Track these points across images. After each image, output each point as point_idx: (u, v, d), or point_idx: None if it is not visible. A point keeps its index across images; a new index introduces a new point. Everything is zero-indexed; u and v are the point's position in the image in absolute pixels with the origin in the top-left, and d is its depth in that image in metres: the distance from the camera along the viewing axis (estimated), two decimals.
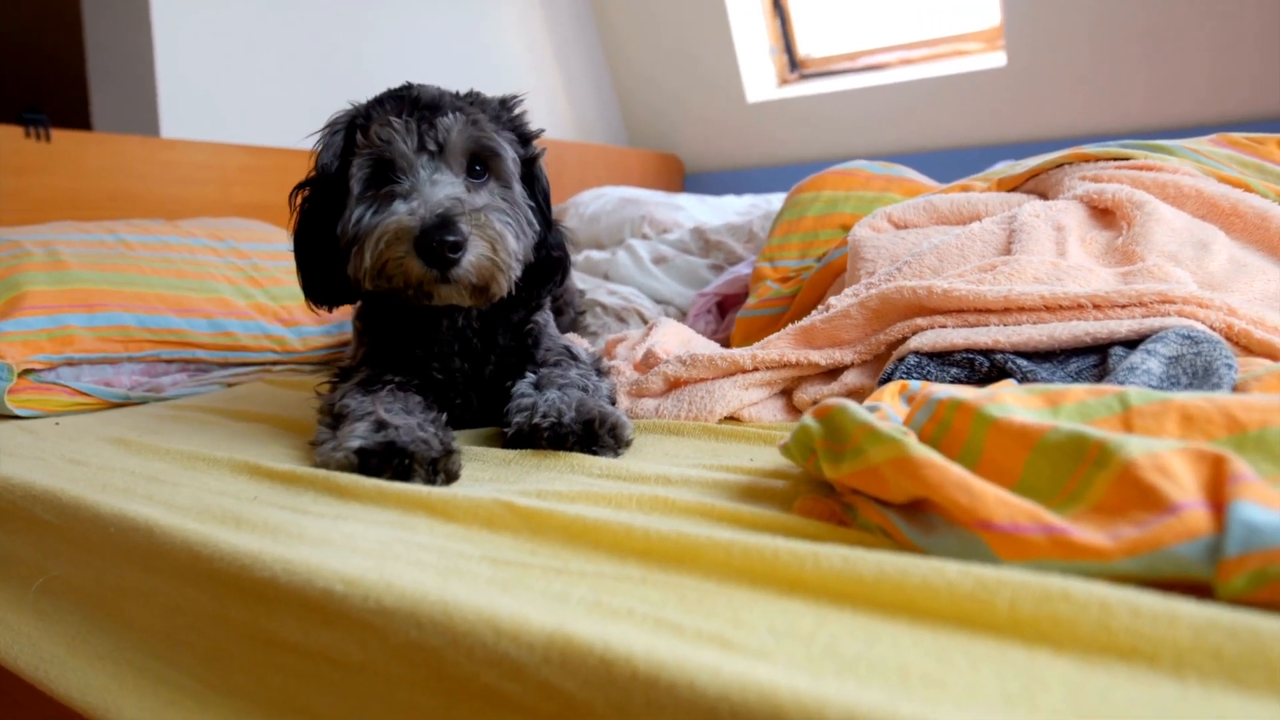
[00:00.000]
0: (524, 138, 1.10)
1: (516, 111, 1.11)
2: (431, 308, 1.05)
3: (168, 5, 2.40)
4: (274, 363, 1.72)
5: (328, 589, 0.62)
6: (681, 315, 2.02)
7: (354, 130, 1.03)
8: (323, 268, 1.09)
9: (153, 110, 2.41)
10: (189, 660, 0.77)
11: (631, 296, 2.02)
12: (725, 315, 1.91)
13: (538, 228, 1.09)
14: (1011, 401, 0.66)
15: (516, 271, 1.02)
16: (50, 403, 1.36)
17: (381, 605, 0.59)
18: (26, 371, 1.36)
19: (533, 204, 1.10)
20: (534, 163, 1.11)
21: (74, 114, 2.61)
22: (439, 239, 0.93)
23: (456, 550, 0.66)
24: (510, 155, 1.05)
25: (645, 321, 1.94)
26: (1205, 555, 0.48)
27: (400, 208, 0.97)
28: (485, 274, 0.98)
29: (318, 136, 1.08)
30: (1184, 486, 0.51)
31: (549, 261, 1.13)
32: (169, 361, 1.57)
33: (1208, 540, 0.49)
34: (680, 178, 3.99)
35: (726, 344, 1.75)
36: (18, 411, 1.32)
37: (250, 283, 1.76)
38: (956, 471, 0.56)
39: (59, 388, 1.38)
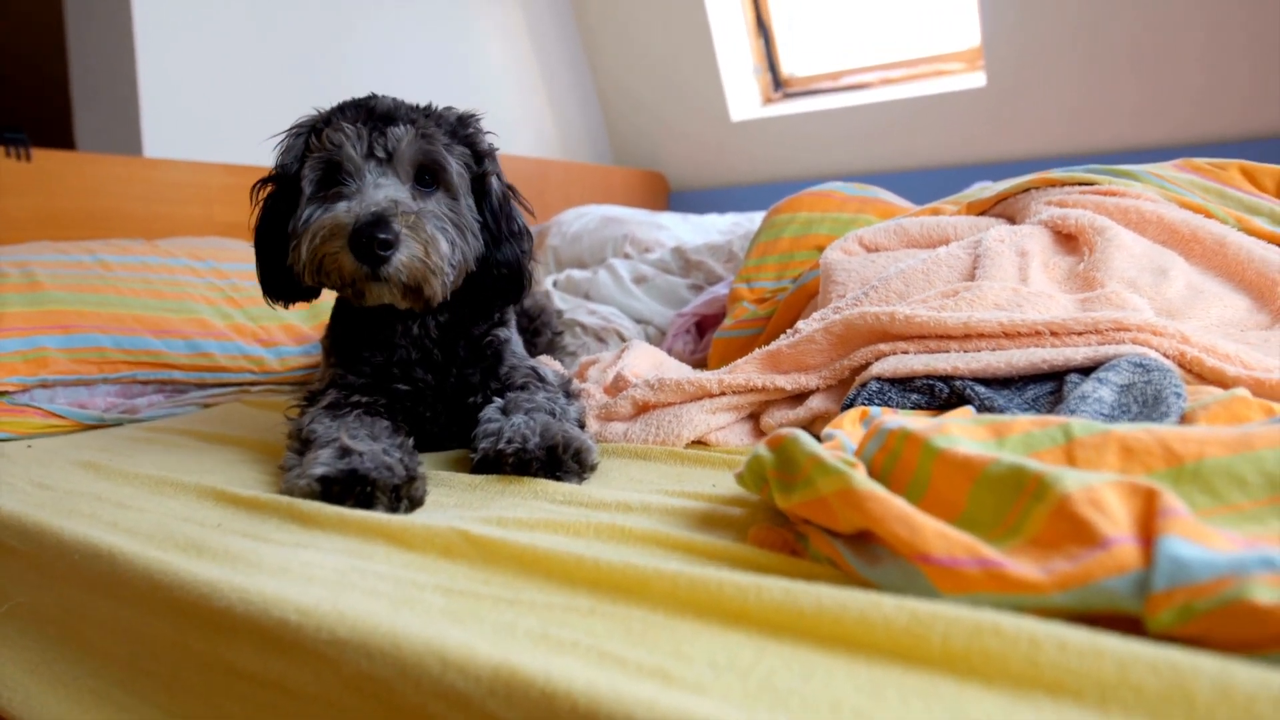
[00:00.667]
0: (477, 154, 1.13)
1: (472, 128, 1.14)
2: (384, 313, 1.11)
3: (151, 26, 2.41)
4: (252, 383, 1.73)
5: (283, 619, 0.63)
6: (661, 335, 2.03)
7: (314, 134, 1.08)
8: (277, 263, 1.12)
9: (135, 129, 2.42)
10: (149, 688, 0.77)
11: (611, 316, 2.03)
12: (704, 335, 1.92)
13: (482, 242, 1.12)
14: (958, 432, 0.67)
15: (450, 277, 1.06)
16: (23, 425, 1.36)
17: (335, 636, 0.60)
18: (0, 394, 1.36)
19: (481, 219, 1.13)
20: (485, 179, 1.13)
21: (57, 134, 2.62)
22: (369, 235, 0.97)
23: (411, 579, 0.67)
24: (457, 169, 1.09)
25: (624, 341, 1.95)
26: (1134, 590, 0.49)
27: (340, 206, 1.01)
28: (416, 275, 1.02)
29: (281, 137, 1.12)
30: (1116, 520, 0.52)
31: (498, 279, 1.15)
32: (145, 383, 1.57)
33: (1137, 575, 0.50)
34: (665, 196, 4.01)
35: (704, 364, 1.76)
36: None
37: (229, 303, 1.76)
38: (898, 504, 0.57)
39: (32, 410, 1.38)
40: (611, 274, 2.26)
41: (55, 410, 1.40)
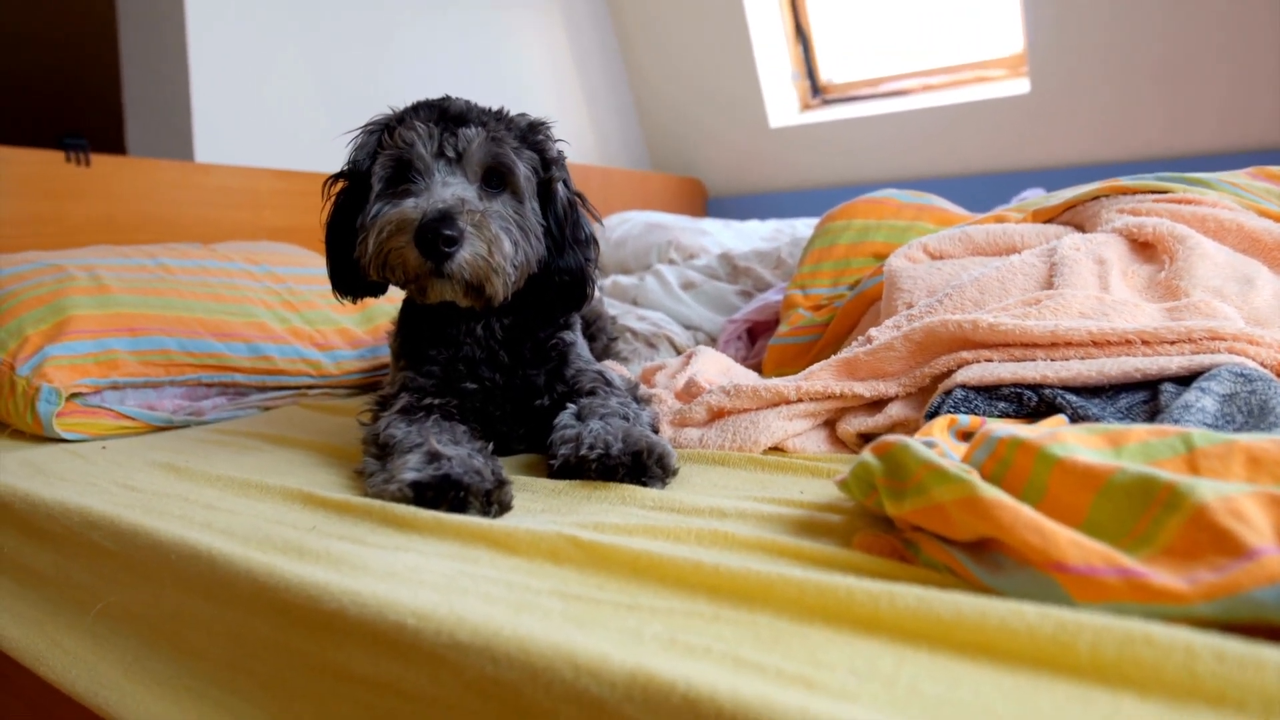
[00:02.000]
0: (545, 160, 1.15)
1: (541, 134, 1.16)
2: (450, 311, 1.13)
3: (204, 34, 2.45)
4: (309, 386, 1.74)
5: (399, 623, 0.63)
6: (711, 341, 2.03)
7: (387, 132, 1.10)
8: (348, 258, 1.14)
9: (187, 135, 2.45)
10: (250, 688, 0.77)
11: (661, 322, 2.03)
12: (755, 342, 1.92)
13: (545, 245, 1.14)
14: (1074, 441, 0.67)
15: (513, 278, 1.07)
16: (96, 426, 1.38)
17: (455, 640, 0.60)
18: (73, 395, 1.37)
19: (545, 224, 1.14)
20: (550, 185, 1.15)
21: (109, 139, 2.65)
22: (435, 231, 0.99)
23: (523, 584, 0.67)
24: (525, 173, 1.10)
25: (676, 347, 1.95)
26: None
27: (409, 202, 1.03)
28: (479, 273, 1.03)
29: (355, 134, 1.15)
30: (1259, 531, 0.52)
31: (560, 284, 1.17)
32: (209, 385, 1.58)
33: None
34: (703, 202, 4.02)
35: (758, 370, 1.76)
36: (65, 435, 1.34)
37: (286, 306, 1.77)
38: (1028, 512, 0.57)
39: (104, 411, 1.40)
40: (659, 280, 2.26)
41: (126, 412, 1.42)
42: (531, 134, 1.15)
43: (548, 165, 1.15)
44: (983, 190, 3.15)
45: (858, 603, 0.56)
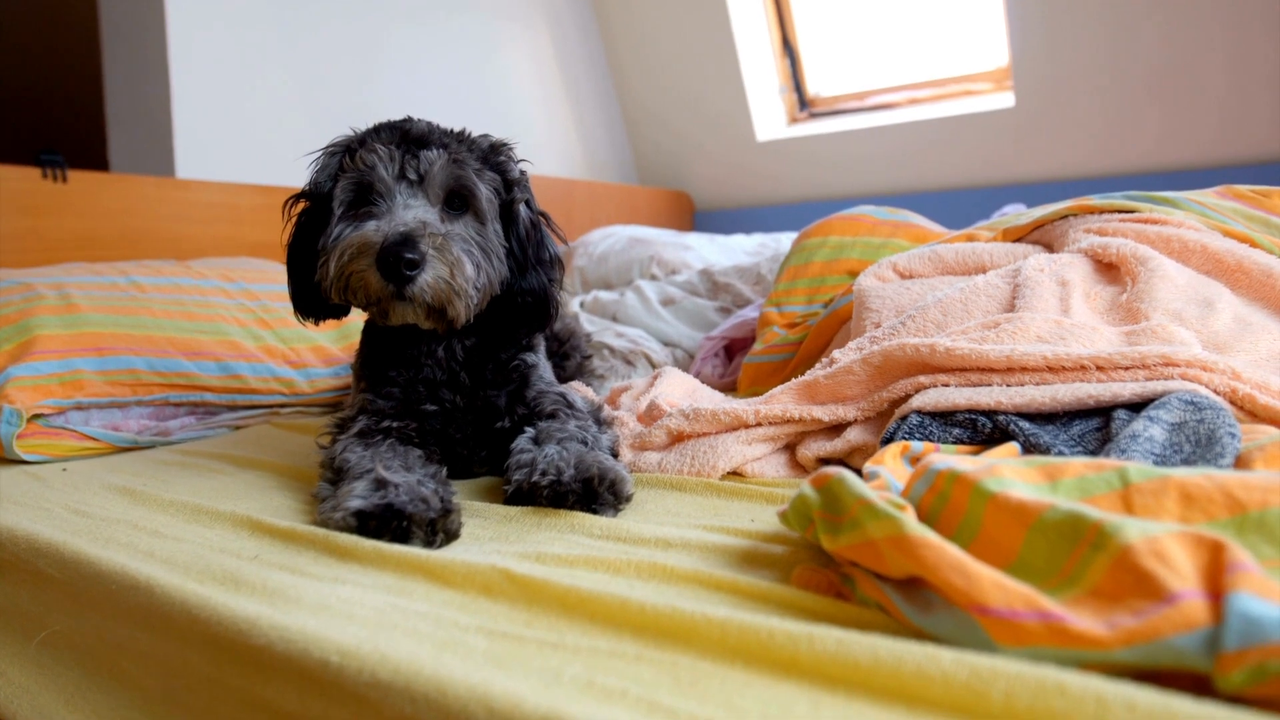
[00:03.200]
0: (507, 181, 1.14)
1: (503, 156, 1.16)
2: (412, 333, 1.13)
3: (185, 50, 2.44)
4: (282, 405, 1.73)
5: (324, 659, 0.62)
6: (689, 358, 2.02)
7: (348, 154, 1.09)
8: (308, 280, 1.14)
9: (168, 151, 2.44)
10: None
11: (639, 339, 2.02)
12: (733, 359, 1.91)
13: (508, 266, 1.14)
14: (1010, 475, 0.66)
15: (475, 300, 1.07)
16: (58, 448, 1.37)
17: (376, 679, 0.59)
18: (36, 416, 1.36)
19: (507, 245, 1.14)
20: (512, 206, 1.15)
21: (90, 155, 2.65)
22: (396, 254, 0.98)
23: (453, 620, 0.66)
24: (486, 195, 1.10)
25: (653, 364, 1.94)
26: (1203, 647, 0.48)
27: (370, 225, 1.03)
28: (441, 296, 1.03)
29: (317, 155, 1.14)
30: (1182, 574, 0.51)
31: (524, 306, 1.16)
32: (177, 405, 1.58)
33: (1206, 632, 0.48)
34: (690, 215, 4.01)
35: (733, 388, 1.75)
36: (25, 457, 1.33)
37: (260, 324, 1.77)
38: (953, 552, 0.56)
39: (67, 432, 1.39)
40: (639, 296, 2.25)
41: (89, 433, 1.41)
42: (493, 155, 1.14)
43: (510, 186, 1.15)
44: (968, 205, 3.15)
45: (778, 645, 0.55)
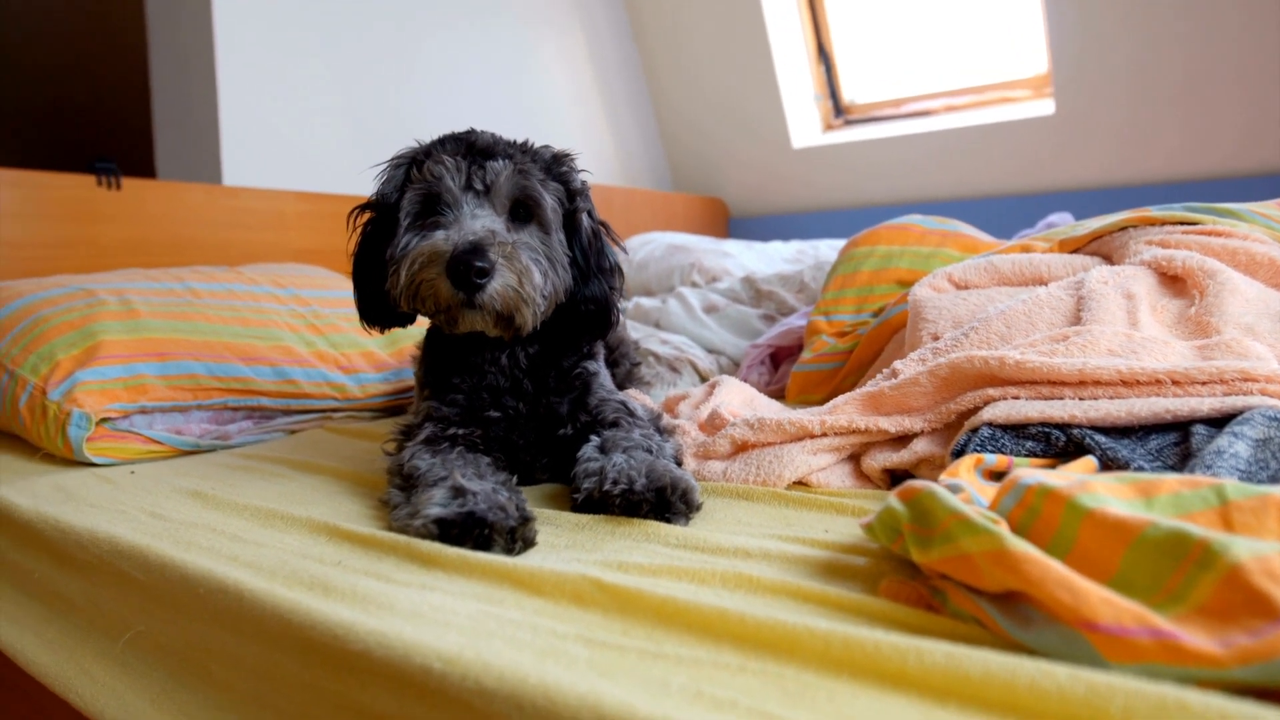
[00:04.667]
0: (569, 191, 1.16)
1: (565, 166, 1.18)
2: (475, 341, 1.14)
3: (233, 60, 2.48)
4: (334, 410, 1.75)
5: (425, 666, 0.63)
6: (734, 365, 2.03)
7: (414, 165, 1.11)
8: (375, 289, 1.16)
9: (215, 158, 2.48)
10: None
11: (684, 346, 2.03)
12: (778, 367, 1.92)
13: (572, 276, 1.15)
14: (1104, 491, 0.66)
15: (542, 308, 1.09)
16: (125, 450, 1.40)
17: (481, 686, 0.60)
18: (103, 420, 1.39)
19: (570, 254, 1.15)
20: (575, 215, 1.16)
21: (138, 163, 2.69)
22: (467, 263, 1.00)
23: (548, 628, 0.67)
24: (551, 205, 1.12)
25: (698, 371, 1.95)
26: None
27: (439, 235, 1.05)
28: (510, 304, 1.05)
29: (382, 168, 1.16)
30: None
31: (586, 314, 1.18)
32: (235, 409, 1.60)
33: None
34: (725, 222, 4.02)
35: (780, 395, 1.76)
36: (95, 459, 1.35)
37: (311, 330, 1.79)
38: (1058, 568, 0.57)
39: (133, 435, 1.42)
40: (682, 303, 2.26)
41: (154, 436, 1.43)
42: (556, 165, 1.16)
43: (572, 196, 1.16)
44: (1008, 212, 3.14)
45: (884, 657, 0.56)
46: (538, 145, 1.17)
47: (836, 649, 0.58)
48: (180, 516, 1.06)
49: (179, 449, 1.46)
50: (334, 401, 1.74)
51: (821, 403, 1.63)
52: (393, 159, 1.16)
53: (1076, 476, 0.70)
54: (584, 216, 1.18)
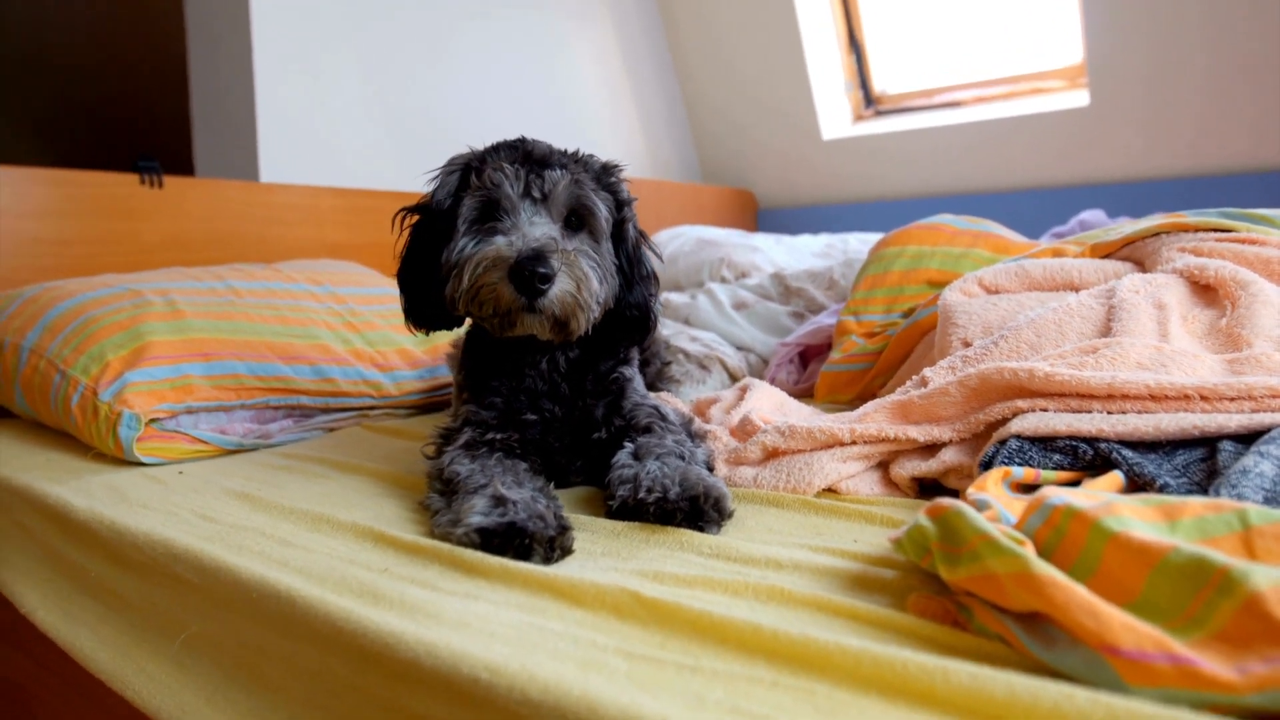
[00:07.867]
0: (619, 201, 1.20)
1: (614, 177, 1.21)
2: (518, 345, 1.18)
3: (269, 60, 2.52)
4: (370, 407, 1.79)
5: (473, 676, 0.67)
6: (763, 363, 2.05)
7: (468, 172, 1.15)
8: (424, 292, 1.20)
9: (253, 156, 2.53)
10: None
11: (713, 344, 2.05)
12: (807, 366, 1.93)
13: (619, 282, 1.19)
14: (1128, 514, 0.68)
15: (595, 313, 1.12)
16: (172, 450, 1.44)
17: (526, 696, 0.63)
18: (151, 420, 1.44)
19: (618, 262, 1.19)
20: (624, 225, 1.21)
21: (177, 161, 2.75)
22: (531, 269, 1.03)
23: (590, 640, 0.70)
24: (604, 214, 1.16)
25: (728, 369, 1.97)
26: None
27: (500, 240, 1.08)
28: (567, 309, 1.08)
29: (435, 173, 1.20)
30: None
31: (628, 319, 1.22)
32: (276, 408, 1.64)
33: None
34: (754, 214, 4.02)
35: (809, 394, 1.78)
36: (144, 459, 1.40)
37: (348, 327, 1.83)
38: (1082, 593, 0.59)
39: (180, 435, 1.46)
40: (711, 299, 2.28)
41: (200, 436, 1.48)
42: (605, 176, 1.20)
43: (620, 206, 1.21)
44: (1040, 205, 3.12)
45: (912, 676, 0.58)
46: (586, 155, 1.21)
47: (867, 667, 0.60)
48: (230, 519, 1.10)
49: (223, 448, 1.51)
50: (370, 399, 1.78)
51: (850, 403, 1.65)
52: (446, 165, 1.20)
53: (1103, 497, 0.72)
54: (630, 226, 1.22)
